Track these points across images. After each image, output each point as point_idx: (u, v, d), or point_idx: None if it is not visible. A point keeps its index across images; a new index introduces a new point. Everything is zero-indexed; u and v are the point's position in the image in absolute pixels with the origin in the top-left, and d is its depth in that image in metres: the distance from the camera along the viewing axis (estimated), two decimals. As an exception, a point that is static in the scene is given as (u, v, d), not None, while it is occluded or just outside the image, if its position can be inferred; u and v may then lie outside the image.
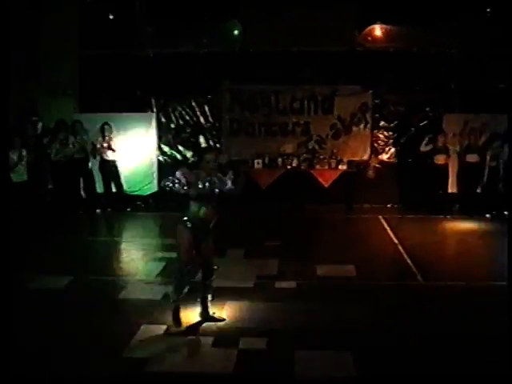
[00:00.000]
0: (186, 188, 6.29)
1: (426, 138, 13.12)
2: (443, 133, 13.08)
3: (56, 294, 7.77)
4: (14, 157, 11.58)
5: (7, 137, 8.05)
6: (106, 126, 13.01)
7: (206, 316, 6.78)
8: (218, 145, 14.35)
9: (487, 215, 12.65)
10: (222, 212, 6.88)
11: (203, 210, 6.45)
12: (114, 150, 13.06)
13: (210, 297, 6.81)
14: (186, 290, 6.63)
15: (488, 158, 12.78)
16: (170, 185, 6.29)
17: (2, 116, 5.96)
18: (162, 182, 6.44)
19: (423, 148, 13.01)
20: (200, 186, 6.37)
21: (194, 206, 6.47)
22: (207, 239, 6.64)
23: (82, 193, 13.26)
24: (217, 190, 6.50)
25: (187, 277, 6.62)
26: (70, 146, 12.79)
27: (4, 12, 5.80)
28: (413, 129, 13.54)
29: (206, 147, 14.05)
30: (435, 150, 12.97)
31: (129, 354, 5.96)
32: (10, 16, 11.81)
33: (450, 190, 13.36)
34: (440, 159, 13.00)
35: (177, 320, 6.58)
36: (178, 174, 6.36)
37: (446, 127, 13.38)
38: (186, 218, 6.50)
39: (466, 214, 12.74)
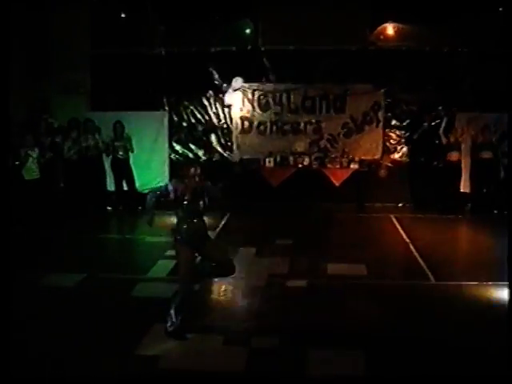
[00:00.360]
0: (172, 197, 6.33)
1: (445, 119, 13.12)
2: (455, 128, 13.07)
3: (68, 292, 7.80)
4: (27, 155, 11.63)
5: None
6: (117, 125, 13.07)
7: None
8: (229, 143, 14.37)
9: (496, 213, 12.62)
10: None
11: (191, 223, 6.37)
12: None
13: None
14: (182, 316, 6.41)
15: (500, 155, 12.76)
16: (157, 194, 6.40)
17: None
18: (149, 195, 6.47)
19: (441, 131, 13.02)
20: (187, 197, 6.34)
21: (181, 222, 6.40)
22: (205, 244, 6.53)
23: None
24: (201, 203, 6.43)
25: (188, 300, 6.47)
26: (83, 145, 12.84)
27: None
28: (425, 124, 13.48)
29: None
30: (448, 146, 12.96)
31: (141, 352, 5.98)
32: (21, 15, 11.98)
33: (462, 190, 13.34)
34: (453, 156, 13.00)
35: (182, 337, 6.36)
36: (169, 186, 6.39)
37: (459, 126, 13.34)
38: (178, 236, 6.42)
39: (478, 214, 12.69)
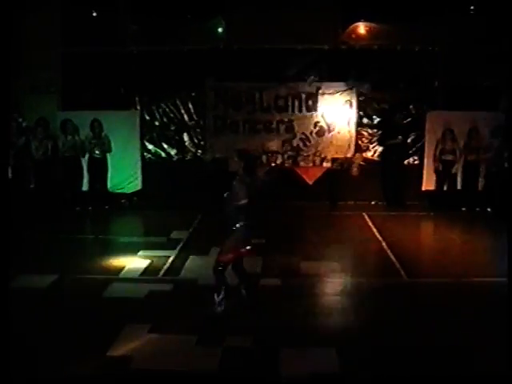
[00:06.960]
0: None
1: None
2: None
3: (39, 293, 7.73)
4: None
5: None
6: (95, 124, 13.05)
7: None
8: (202, 142, 14.32)
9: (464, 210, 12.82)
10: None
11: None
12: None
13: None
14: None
15: (462, 155, 12.99)
16: None
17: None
18: None
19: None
20: None
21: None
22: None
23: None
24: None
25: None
26: (61, 145, 12.79)
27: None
28: (400, 137, 13.52)
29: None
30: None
31: (113, 353, 5.95)
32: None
33: (425, 188, 13.53)
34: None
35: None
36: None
37: (429, 125, 13.47)
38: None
39: (450, 211, 12.80)
